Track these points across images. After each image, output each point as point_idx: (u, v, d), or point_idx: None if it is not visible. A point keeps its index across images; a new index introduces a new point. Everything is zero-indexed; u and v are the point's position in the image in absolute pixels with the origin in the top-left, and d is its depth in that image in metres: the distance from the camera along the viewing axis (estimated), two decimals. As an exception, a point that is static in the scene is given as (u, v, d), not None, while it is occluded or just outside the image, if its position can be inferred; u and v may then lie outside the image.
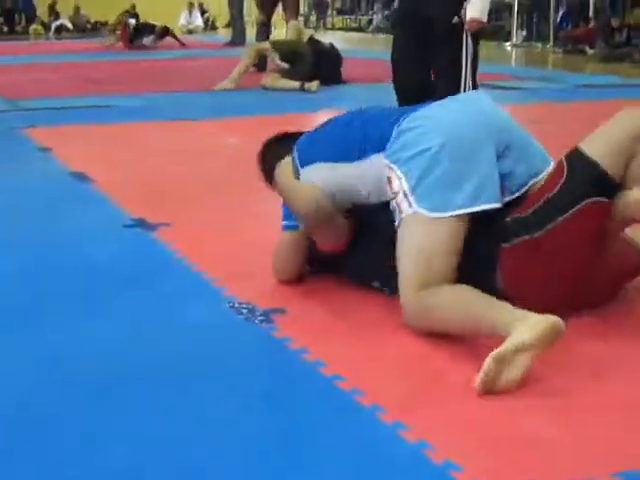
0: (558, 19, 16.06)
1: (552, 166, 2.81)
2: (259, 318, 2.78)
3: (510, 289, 2.68)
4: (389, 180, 2.78)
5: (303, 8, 22.05)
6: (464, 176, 2.68)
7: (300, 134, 3.20)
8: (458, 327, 2.55)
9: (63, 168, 5.20)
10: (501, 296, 2.55)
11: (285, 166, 3.06)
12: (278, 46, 9.52)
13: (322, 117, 3.14)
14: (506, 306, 2.44)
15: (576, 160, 2.67)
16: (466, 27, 4.27)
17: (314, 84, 9.13)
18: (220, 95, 9.06)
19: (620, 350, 2.53)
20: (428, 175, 2.68)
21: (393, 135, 2.82)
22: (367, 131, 2.92)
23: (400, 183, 2.73)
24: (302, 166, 3.00)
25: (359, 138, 2.91)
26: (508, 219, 2.71)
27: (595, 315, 2.74)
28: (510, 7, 18.43)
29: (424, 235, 2.66)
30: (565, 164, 2.69)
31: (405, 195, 2.71)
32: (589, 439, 2.04)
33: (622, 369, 2.42)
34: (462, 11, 4.25)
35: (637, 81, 10.20)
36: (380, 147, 2.84)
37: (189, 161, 5.48)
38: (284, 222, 3.09)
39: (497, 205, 2.71)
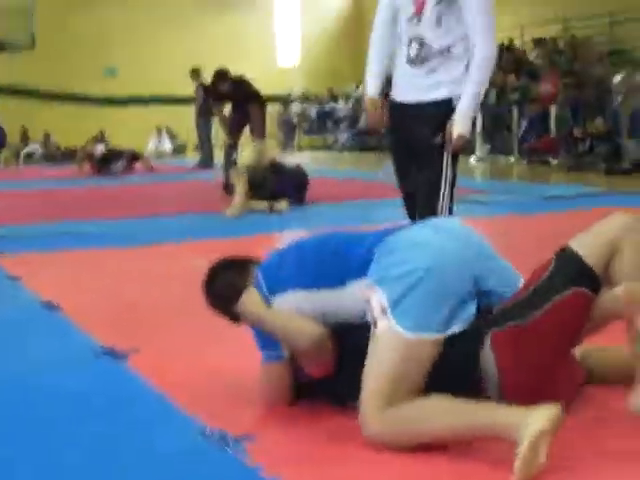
0: (521, 132, 16.30)
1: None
2: (230, 445, 2.75)
3: (505, 372, 2.70)
4: (368, 299, 2.79)
5: (273, 129, 22.35)
6: (444, 300, 2.72)
7: (248, 259, 3.18)
8: (443, 436, 2.58)
9: (33, 297, 5.18)
10: (484, 396, 2.65)
11: (253, 296, 2.97)
12: (242, 171, 9.59)
13: (291, 238, 3.15)
14: (501, 407, 2.53)
15: (563, 255, 2.81)
16: (452, 144, 4.22)
17: (283, 204, 9.19)
18: (187, 218, 9.09)
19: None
20: (409, 295, 2.71)
21: (375, 257, 2.85)
22: (345, 257, 2.92)
23: (380, 300, 2.74)
24: (271, 293, 2.95)
25: (337, 265, 2.91)
26: (494, 312, 2.80)
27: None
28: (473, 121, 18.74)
29: (398, 354, 2.68)
30: (553, 258, 2.82)
31: (383, 311, 2.73)
32: None
33: None
34: (444, 131, 4.19)
35: (602, 190, 10.34)
36: (361, 273, 2.85)
37: (158, 285, 5.48)
38: (265, 352, 3.00)
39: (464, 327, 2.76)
